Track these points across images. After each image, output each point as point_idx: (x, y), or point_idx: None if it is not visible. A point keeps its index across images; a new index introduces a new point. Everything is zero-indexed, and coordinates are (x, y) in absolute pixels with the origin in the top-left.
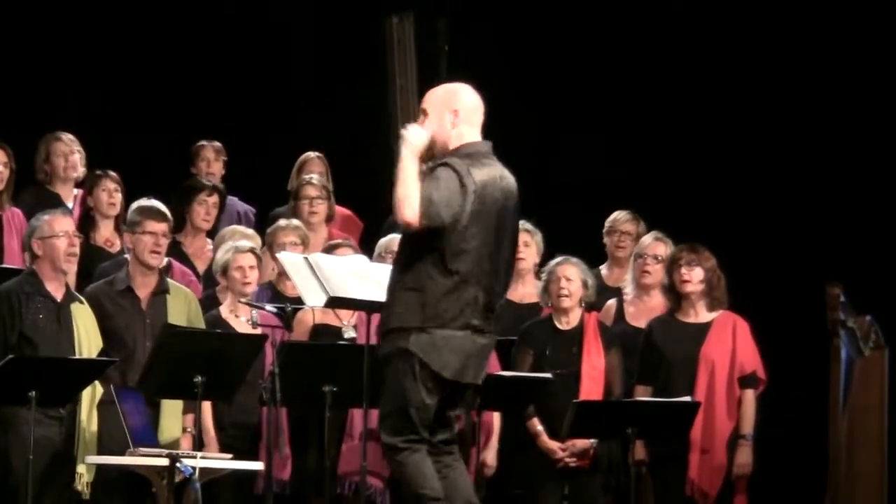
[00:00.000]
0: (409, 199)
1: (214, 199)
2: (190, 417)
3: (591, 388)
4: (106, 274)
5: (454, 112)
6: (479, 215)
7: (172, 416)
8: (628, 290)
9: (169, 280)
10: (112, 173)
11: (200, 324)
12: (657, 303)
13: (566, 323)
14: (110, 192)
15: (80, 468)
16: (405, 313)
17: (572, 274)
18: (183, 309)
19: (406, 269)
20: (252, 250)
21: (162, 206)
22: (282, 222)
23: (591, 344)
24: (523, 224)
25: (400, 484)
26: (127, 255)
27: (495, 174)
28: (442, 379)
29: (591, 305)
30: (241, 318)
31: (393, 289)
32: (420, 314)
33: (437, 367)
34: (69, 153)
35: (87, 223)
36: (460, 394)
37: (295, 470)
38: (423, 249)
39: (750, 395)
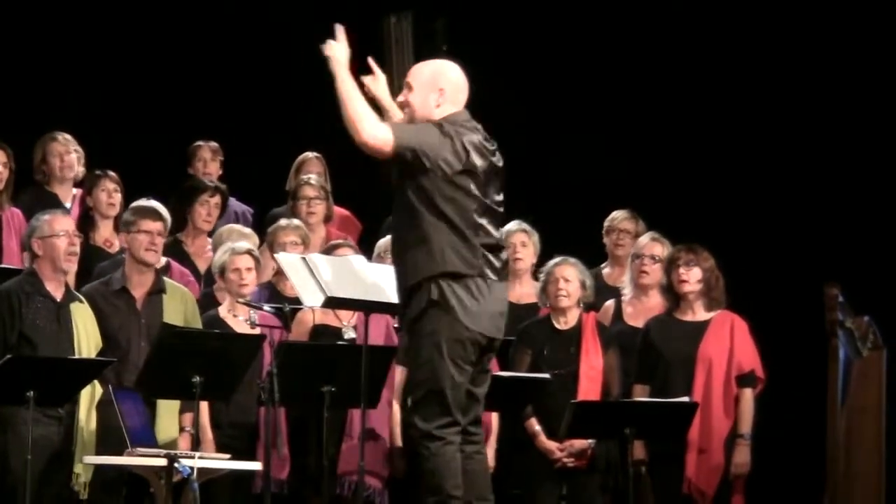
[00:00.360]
0: (363, 116)
1: (216, 199)
2: (188, 417)
3: (589, 388)
4: (104, 274)
5: (440, 91)
6: (471, 171)
7: (169, 415)
8: (626, 291)
9: (166, 279)
10: (111, 173)
11: (198, 323)
12: (655, 303)
13: (564, 323)
14: (109, 193)
15: (78, 468)
16: (419, 266)
17: (570, 274)
18: (180, 308)
19: (405, 229)
20: (249, 251)
21: (158, 205)
22: (282, 222)
23: (589, 344)
24: (520, 224)
25: (421, 468)
26: (124, 256)
27: (481, 137)
28: (468, 342)
29: (590, 305)
30: (239, 318)
31: (398, 252)
32: (435, 261)
33: (463, 317)
34: (65, 153)
35: (86, 223)
36: (486, 355)
37: (294, 470)
38: (418, 205)
39: (748, 394)
